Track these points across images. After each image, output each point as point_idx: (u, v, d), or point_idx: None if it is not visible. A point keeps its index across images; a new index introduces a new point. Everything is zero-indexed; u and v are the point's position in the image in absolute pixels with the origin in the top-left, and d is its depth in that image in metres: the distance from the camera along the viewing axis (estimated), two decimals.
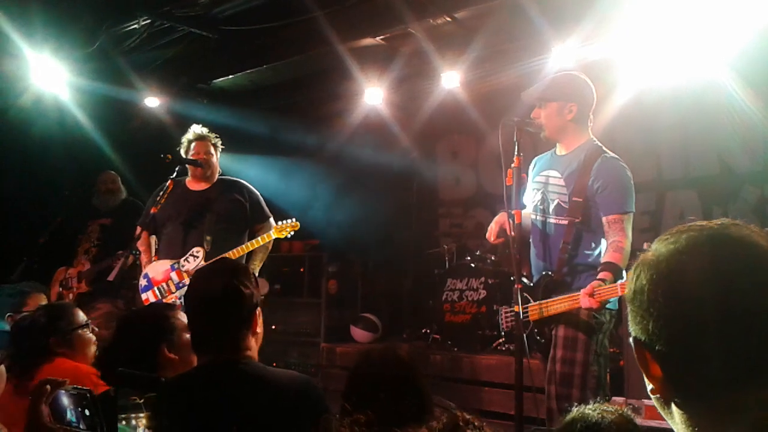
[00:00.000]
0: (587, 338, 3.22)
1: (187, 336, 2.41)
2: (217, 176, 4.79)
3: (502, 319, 3.66)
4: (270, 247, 4.77)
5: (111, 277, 4.33)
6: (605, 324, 3.29)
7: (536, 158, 3.70)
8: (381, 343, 6.45)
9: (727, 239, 1.02)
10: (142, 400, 1.59)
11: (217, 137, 4.84)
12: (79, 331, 2.92)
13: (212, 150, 4.77)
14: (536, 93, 3.49)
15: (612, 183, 3.27)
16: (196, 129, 4.80)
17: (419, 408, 1.97)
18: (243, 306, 2.16)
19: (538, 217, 3.51)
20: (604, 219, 3.26)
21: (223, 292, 2.15)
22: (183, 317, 2.52)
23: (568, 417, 1.41)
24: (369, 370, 2.12)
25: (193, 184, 4.77)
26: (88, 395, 1.66)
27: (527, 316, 3.35)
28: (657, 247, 1.08)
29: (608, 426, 1.31)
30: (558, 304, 3.24)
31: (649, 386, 1.06)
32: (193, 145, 4.73)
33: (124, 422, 1.61)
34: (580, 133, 3.46)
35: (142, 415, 1.60)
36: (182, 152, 4.78)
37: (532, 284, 3.44)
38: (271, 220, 4.75)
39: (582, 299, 3.04)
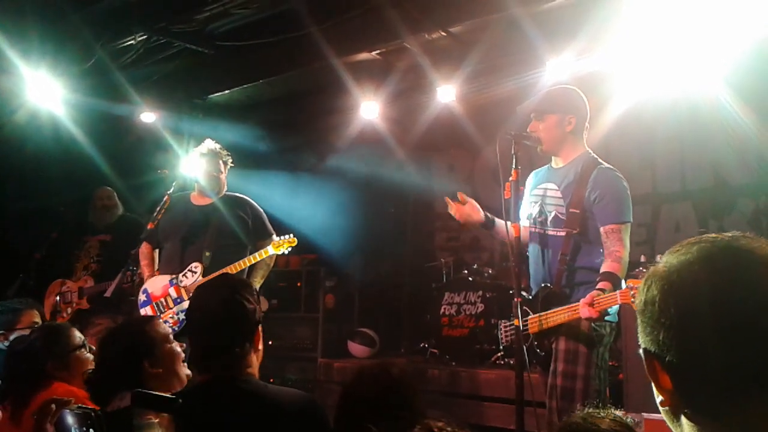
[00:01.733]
0: (588, 351, 3.22)
1: (169, 346, 2.37)
2: (223, 192, 4.79)
3: (501, 334, 3.65)
4: (271, 264, 4.75)
5: (108, 293, 4.31)
6: (606, 337, 3.29)
7: (533, 173, 3.72)
8: (374, 361, 6.42)
9: (739, 251, 1.02)
10: (157, 420, 1.58)
11: (228, 155, 4.83)
12: (76, 353, 2.89)
13: (222, 167, 4.76)
14: (533, 106, 3.50)
15: (609, 193, 3.29)
16: (209, 145, 4.77)
17: (412, 426, 1.95)
18: (246, 322, 2.14)
19: (536, 230, 3.52)
20: (601, 229, 3.27)
21: (225, 309, 2.13)
22: (162, 327, 2.46)
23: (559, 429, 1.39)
24: (361, 389, 2.10)
25: (197, 199, 4.77)
26: (93, 414, 1.65)
27: (527, 329, 3.35)
28: (668, 259, 1.08)
29: None
30: (557, 316, 3.23)
31: (659, 398, 1.06)
32: (203, 160, 4.73)
33: None
34: (576, 146, 3.49)
35: None
36: (191, 164, 4.77)
37: (530, 297, 3.44)
38: (274, 237, 4.73)
39: (582, 309, 3.04)
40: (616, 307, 3.30)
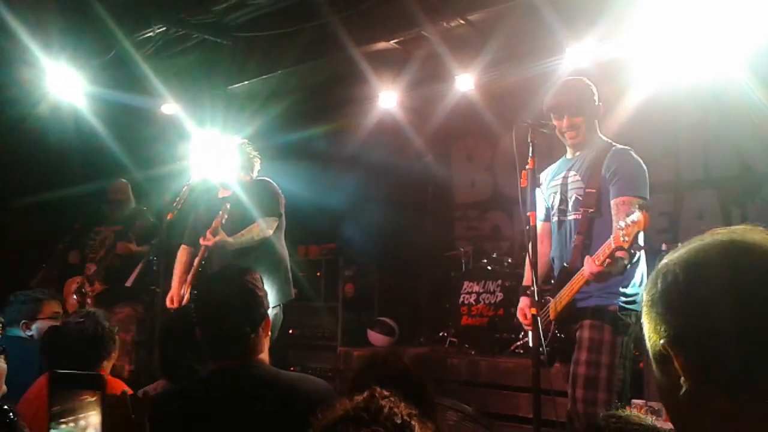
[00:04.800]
0: (612, 340, 3.20)
1: None
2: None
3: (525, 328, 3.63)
4: (256, 238, 4.47)
5: (129, 283, 4.36)
6: (631, 326, 3.25)
7: (548, 168, 3.71)
8: (385, 348, 6.43)
9: (757, 238, 1.00)
10: (94, 398, 1.56)
11: (257, 156, 4.85)
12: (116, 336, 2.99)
13: (250, 166, 4.77)
14: (564, 106, 3.45)
15: (623, 169, 3.30)
16: (238, 143, 4.82)
17: (422, 412, 1.95)
18: (256, 310, 2.16)
19: (558, 218, 3.51)
20: (612, 202, 3.26)
21: (236, 297, 2.15)
22: None
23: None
24: (372, 374, 2.11)
25: (223, 191, 4.81)
26: None
27: (548, 316, 3.35)
28: (678, 251, 1.05)
29: None
30: (567, 291, 3.23)
31: (683, 389, 1.01)
32: (233, 161, 4.71)
33: (72, 424, 1.55)
34: (595, 134, 3.53)
35: (92, 413, 1.56)
36: (220, 163, 4.78)
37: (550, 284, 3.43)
38: (270, 219, 4.54)
39: (585, 267, 3.04)
40: (641, 295, 3.26)
